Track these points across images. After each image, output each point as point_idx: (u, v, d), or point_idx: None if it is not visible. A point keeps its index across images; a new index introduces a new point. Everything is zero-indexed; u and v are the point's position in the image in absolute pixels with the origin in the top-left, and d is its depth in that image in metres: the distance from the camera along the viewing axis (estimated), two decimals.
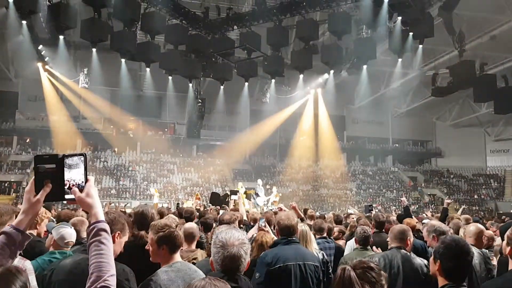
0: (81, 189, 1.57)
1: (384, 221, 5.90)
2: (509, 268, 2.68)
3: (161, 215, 4.85)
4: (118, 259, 2.83)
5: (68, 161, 1.58)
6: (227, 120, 38.15)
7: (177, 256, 2.75)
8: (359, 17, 19.51)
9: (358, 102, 40.55)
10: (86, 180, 1.59)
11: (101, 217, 1.58)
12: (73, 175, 1.58)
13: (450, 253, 2.39)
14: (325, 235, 5.59)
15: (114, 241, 2.70)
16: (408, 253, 3.77)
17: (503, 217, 16.38)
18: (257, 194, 17.56)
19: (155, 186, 27.78)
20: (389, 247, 3.86)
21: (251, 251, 4.03)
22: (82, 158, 1.59)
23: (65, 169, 1.57)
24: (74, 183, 1.58)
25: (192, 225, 4.22)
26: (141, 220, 3.45)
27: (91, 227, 1.56)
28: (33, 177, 1.58)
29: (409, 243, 3.81)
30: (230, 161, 39.27)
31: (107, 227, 1.57)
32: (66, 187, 1.57)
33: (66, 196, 1.58)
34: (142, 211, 3.52)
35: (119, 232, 2.56)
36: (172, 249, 2.72)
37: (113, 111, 34.85)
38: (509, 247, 2.73)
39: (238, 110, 34.21)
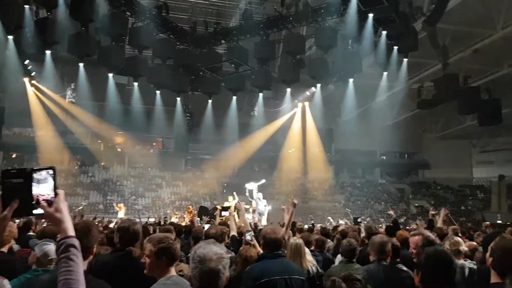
0: (50, 203, 1.54)
1: (377, 232, 5.95)
2: (491, 281, 2.70)
3: (145, 231, 4.82)
4: (106, 274, 2.82)
5: (36, 175, 1.55)
6: (216, 133, 38.08)
7: (173, 270, 2.76)
8: (345, 32, 19.75)
9: (346, 115, 40.79)
10: (56, 194, 1.56)
11: (71, 232, 1.55)
12: (42, 189, 1.55)
13: (432, 265, 2.40)
14: (312, 248, 5.60)
15: (93, 253, 2.72)
16: (391, 265, 3.79)
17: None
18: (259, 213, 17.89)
19: (121, 202, 27.48)
20: (371, 260, 3.86)
21: (235, 266, 4.05)
22: (51, 172, 1.57)
23: (33, 183, 1.55)
24: (43, 198, 1.55)
25: None
26: (127, 235, 3.41)
27: (60, 243, 1.54)
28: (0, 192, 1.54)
29: (390, 254, 3.83)
30: (219, 175, 39.16)
31: (76, 242, 1.55)
32: (34, 202, 1.54)
33: (35, 211, 1.55)
34: (128, 226, 3.49)
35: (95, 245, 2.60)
36: (170, 261, 2.75)
37: (101, 125, 34.58)
38: (491, 258, 2.76)
39: (227, 123, 34.19)
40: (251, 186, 20.78)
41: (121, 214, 21.29)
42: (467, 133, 42.95)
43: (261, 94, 26.77)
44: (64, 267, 1.49)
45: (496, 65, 30.28)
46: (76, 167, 37.74)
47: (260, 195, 20.11)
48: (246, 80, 24.36)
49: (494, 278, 2.68)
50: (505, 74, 30.06)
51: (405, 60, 22.03)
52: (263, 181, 21.58)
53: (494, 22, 25.50)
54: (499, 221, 31.05)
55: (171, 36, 22.32)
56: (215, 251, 2.21)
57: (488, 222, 22.20)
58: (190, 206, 22.48)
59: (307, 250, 4.70)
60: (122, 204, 23.75)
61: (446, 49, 23.64)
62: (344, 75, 23.08)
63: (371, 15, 17.62)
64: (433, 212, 8.54)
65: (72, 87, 25.81)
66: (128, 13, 19.87)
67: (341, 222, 16.19)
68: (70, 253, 1.51)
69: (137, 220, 6.94)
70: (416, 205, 41.02)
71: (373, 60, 21.62)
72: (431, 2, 20.62)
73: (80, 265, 1.53)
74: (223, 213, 11.18)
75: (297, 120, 35.90)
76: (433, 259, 2.43)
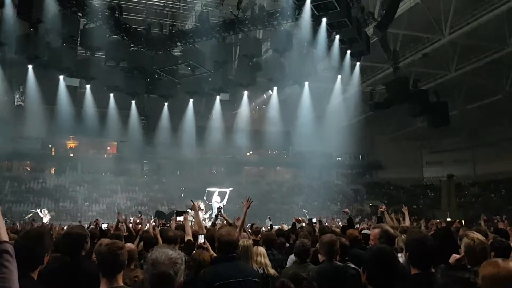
0: None
1: (330, 231, 6.08)
2: (412, 273, 2.83)
3: (93, 236, 4.68)
4: (52, 281, 2.73)
5: None
6: (173, 137, 37.72)
7: (119, 277, 2.64)
8: (300, 36, 20.02)
9: (303, 118, 41.34)
10: None
11: (4, 237, 1.49)
12: None
13: (375, 262, 2.46)
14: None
15: (44, 262, 2.62)
16: (341, 264, 3.87)
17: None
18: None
19: (45, 207, 26.98)
20: (320, 260, 3.91)
21: (189, 270, 4.01)
22: None
23: None
24: None
25: (131, 246, 4.16)
26: (69, 242, 3.29)
27: None
28: None
29: (338, 253, 3.91)
30: (177, 179, 38.70)
31: (10, 248, 1.48)
32: None
33: None
34: (72, 232, 3.35)
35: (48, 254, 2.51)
36: (114, 269, 2.63)
37: (52, 130, 33.39)
38: (408, 253, 2.88)
39: (184, 127, 33.88)
40: (213, 189, 20.81)
41: (46, 219, 21.31)
42: (417, 135, 44.58)
43: (218, 97, 26.67)
44: None
45: (444, 69, 31.65)
46: (26, 173, 36.26)
47: (218, 198, 20.09)
48: (202, 83, 24.21)
49: (414, 270, 2.82)
50: (452, 78, 31.48)
51: (358, 64, 22.66)
52: (230, 189, 21.56)
53: (442, 28, 26.66)
54: (448, 219, 32.34)
55: (125, 37, 21.82)
56: (169, 255, 2.15)
57: (438, 220, 23.07)
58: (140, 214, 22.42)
59: (263, 251, 4.69)
60: (47, 210, 23.95)
61: (396, 53, 24.45)
62: (299, 78, 23.40)
63: (324, 20, 17.94)
64: (381, 209, 8.70)
65: (21, 90, 24.76)
66: (79, 13, 19.27)
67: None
68: (3, 259, 1.44)
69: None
70: (371, 204, 42.15)
71: (327, 64, 22.05)
72: (382, 8, 21.28)
73: (14, 272, 1.46)
74: (178, 218, 11.04)
75: (254, 123, 36.09)
76: (375, 256, 2.50)
